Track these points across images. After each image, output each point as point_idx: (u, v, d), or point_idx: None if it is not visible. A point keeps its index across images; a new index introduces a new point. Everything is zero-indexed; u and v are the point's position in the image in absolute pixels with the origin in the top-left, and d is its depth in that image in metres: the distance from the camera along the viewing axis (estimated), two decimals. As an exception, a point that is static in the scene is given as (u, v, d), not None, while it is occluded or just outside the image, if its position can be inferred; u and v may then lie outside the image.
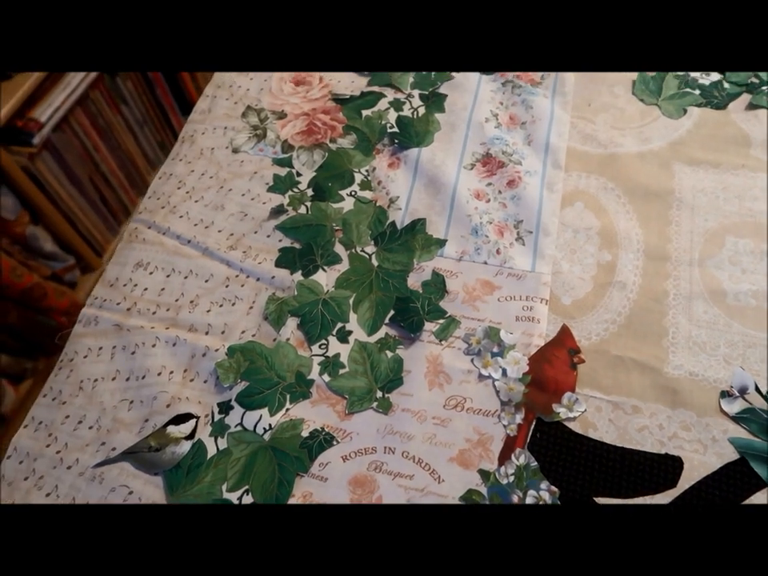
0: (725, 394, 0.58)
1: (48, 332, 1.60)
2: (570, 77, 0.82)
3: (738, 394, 0.57)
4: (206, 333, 0.65)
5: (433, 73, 0.84)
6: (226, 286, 0.68)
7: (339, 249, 0.70)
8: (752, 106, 0.78)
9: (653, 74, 0.82)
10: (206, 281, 0.68)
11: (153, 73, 1.80)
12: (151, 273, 0.70)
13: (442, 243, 0.69)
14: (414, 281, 0.67)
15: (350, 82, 0.85)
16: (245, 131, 0.81)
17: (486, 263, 0.68)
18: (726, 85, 0.80)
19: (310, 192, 0.74)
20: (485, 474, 0.55)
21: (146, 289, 0.69)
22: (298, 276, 0.68)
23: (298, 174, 0.76)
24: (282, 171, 0.77)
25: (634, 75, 0.82)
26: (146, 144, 1.84)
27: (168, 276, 0.69)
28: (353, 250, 0.70)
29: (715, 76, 0.81)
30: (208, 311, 0.66)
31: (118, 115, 1.70)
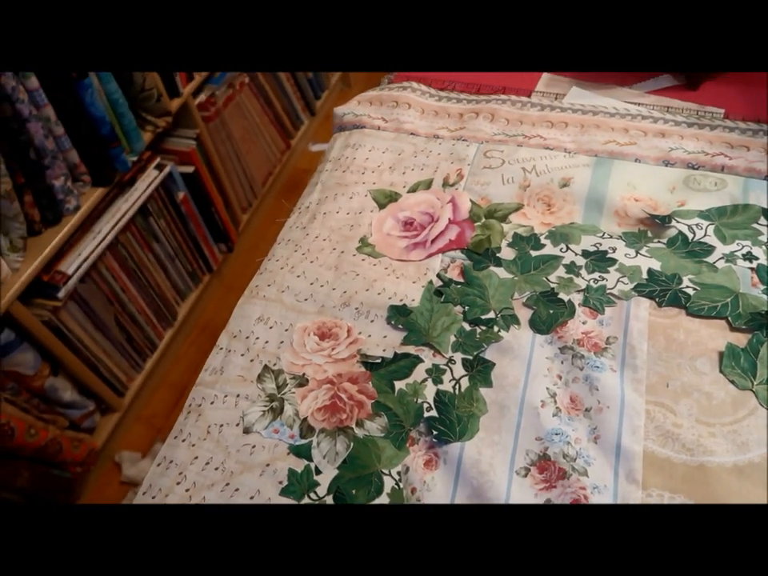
0: None
1: (62, 486, 1.51)
2: (641, 344, 0.70)
3: None
4: None
5: (477, 331, 0.73)
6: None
7: (362, 595, 0.57)
8: None
9: (742, 345, 0.68)
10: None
11: (187, 208, 1.77)
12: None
13: (490, 599, 0.55)
14: None
15: (381, 338, 0.74)
16: (259, 402, 0.70)
17: (546, 635, 0.53)
18: (834, 365, 0.66)
19: (329, 500, 0.62)
20: None
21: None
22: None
23: (318, 471, 0.64)
24: (299, 465, 0.65)
25: (721, 346, 0.69)
26: (177, 276, 1.79)
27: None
28: (379, 600, 0.56)
29: (820, 352, 0.67)
30: None
31: (150, 253, 1.66)
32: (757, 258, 0.75)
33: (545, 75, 1.05)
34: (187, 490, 0.65)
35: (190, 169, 1.75)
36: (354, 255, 0.82)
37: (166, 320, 1.77)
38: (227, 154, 1.92)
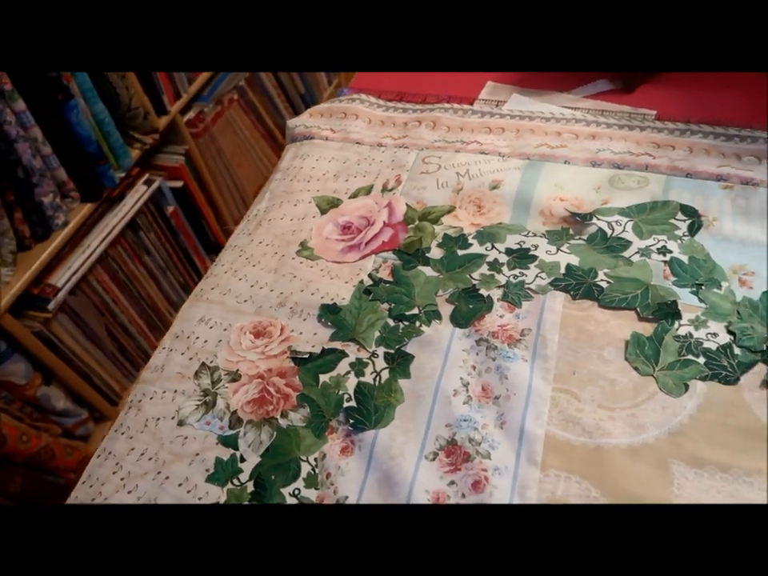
0: None
1: (55, 492, 1.57)
2: (553, 336, 0.73)
3: None
4: None
5: (400, 327, 0.77)
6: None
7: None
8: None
9: (648, 334, 0.71)
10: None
11: (177, 221, 1.83)
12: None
13: (388, 573, 0.59)
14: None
15: (312, 335, 0.78)
16: (194, 397, 0.75)
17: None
18: (737, 350, 0.68)
19: (250, 486, 0.67)
20: None
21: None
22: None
23: (242, 459, 0.69)
24: (226, 453, 0.70)
25: (627, 335, 0.72)
26: (169, 288, 1.84)
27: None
28: None
29: (723, 338, 0.70)
30: None
31: (141, 266, 1.72)
32: (671, 252, 0.78)
33: (488, 83, 1.09)
34: (122, 479, 0.70)
35: (179, 183, 1.82)
36: (293, 258, 0.87)
37: (159, 330, 1.83)
38: (217, 169, 1.99)
